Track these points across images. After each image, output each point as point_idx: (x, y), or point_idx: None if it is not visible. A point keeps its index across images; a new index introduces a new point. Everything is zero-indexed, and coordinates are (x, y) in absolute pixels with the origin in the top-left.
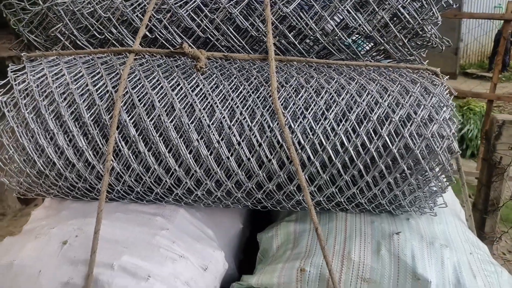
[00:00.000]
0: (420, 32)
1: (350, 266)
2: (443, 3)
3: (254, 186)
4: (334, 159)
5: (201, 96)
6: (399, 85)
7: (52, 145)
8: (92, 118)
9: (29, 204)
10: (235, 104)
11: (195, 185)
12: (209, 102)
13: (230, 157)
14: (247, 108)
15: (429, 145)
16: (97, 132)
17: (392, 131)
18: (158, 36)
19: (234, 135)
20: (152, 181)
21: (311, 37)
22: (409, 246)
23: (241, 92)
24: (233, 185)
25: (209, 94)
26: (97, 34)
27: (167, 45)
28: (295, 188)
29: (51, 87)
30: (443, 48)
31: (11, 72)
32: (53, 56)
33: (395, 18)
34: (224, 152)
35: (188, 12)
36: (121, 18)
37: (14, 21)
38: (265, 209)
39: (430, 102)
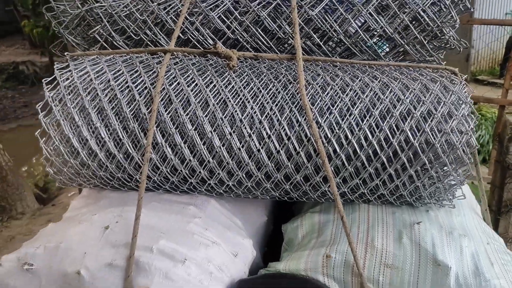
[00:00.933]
0: (439, 34)
1: (374, 253)
2: (461, 7)
3: (282, 178)
4: (358, 152)
5: (233, 92)
6: (420, 83)
7: (94, 137)
8: (131, 113)
9: (47, 204)
10: (265, 100)
11: (227, 176)
12: (240, 98)
13: (260, 149)
14: (277, 104)
15: (448, 140)
16: (136, 126)
17: (414, 126)
18: (190, 37)
19: (265, 129)
20: (187, 172)
21: (335, 38)
22: (429, 235)
23: (270, 89)
24: (263, 176)
25: (241, 91)
26: (133, 35)
27: (198, 45)
28: (321, 180)
29: (93, 84)
30: (461, 49)
31: (57, 70)
32: (94, 55)
33: (414, 22)
34: (254, 145)
35: (218, 15)
36: (155, 20)
37: (55, 24)
38: (291, 200)
39: (449, 99)
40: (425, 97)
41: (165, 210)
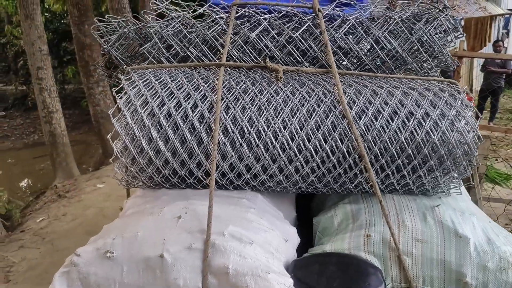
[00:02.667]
0: (439, 54)
1: (406, 231)
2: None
3: (325, 171)
4: (390, 147)
5: (283, 99)
6: (432, 92)
7: (162, 138)
8: (196, 117)
9: (15, 230)
10: (311, 106)
11: (278, 171)
12: (289, 105)
13: (309, 146)
14: (321, 108)
15: (457, 138)
16: (201, 128)
17: (432, 125)
18: (232, 54)
19: (312, 130)
20: (243, 168)
21: (355, 55)
22: (447, 214)
23: (313, 97)
24: (309, 170)
25: (289, 98)
26: (180, 52)
27: (239, 60)
28: (358, 171)
29: (159, 92)
30: (455, 66)
31: (125, 80)
32: (153, 68)
33: (421, 44)
34: (304, 143)
35: (258, 35)
36: (197, 39)
37: (102, 42)
38: (329, 191)
39: (457, 104)
40: (438, 103)
41: (224, 203)
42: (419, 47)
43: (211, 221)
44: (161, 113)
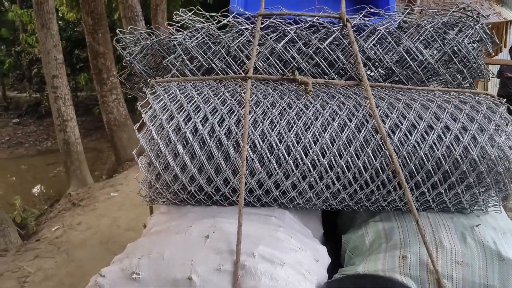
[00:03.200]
0: (474, 65)
1: (444, 252)
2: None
3: (357, 188)
4: (426, 162)
5: (313, 113)
6: (469, 105)
7: (188, 153)
8: (223, 132)
9: (30, 238)
10: (342, 120)
11: (308, 187)
12: (319, 119)
13: (341, 163)
14: (353, 123)
15: (497, 154)
16: (228, 143)
17: (470, 140)
18: (258, 66)
19: (344, 145)
20: (272, 184)
21: (384, 66)
22: (488, 234)
23: (346, 109)
24: (340, 187)
25: (319, 112)
26: (205, 64)
27: (264, 72)
28: (392, 189)
29: (185, 106)
30: (490, 78)
31: (150, 94)
32: (178, 81)
33: (455, 54)
34: (335, 158)
35: (284, 46)
36: (222, 50)
37: (125, 54)
38: (360, 208)
39: (496, 117)
40: (476, 116)
41: (252, 221)
42: (453, 57)
43: (240, 241)
44: (187, 128)
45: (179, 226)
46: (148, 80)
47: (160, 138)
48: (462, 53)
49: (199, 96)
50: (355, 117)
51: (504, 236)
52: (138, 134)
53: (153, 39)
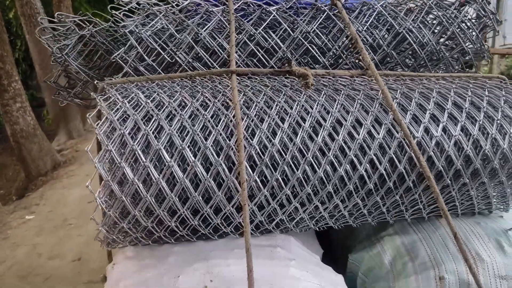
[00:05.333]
0: (476, 46)
1: (485, 267)
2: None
3: (384, 193)
4: (454, 158)
5: (320, 111)
6: (487, 91)
7: (164, 179)
8: (212, 147)
9: None
10: (355, 118)
11: (319, 203)
12: (330, 118)
13: (361, 170)
14: (369, 120)
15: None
16: (219, 160)
17: (497, 131)
18: (237, 58)
19: (361, 148)
20: (276, 206)
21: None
22: None
23: (357, 105)
24: (365, 196)
25: (326, 110)
26: (167, 58)
27: (242, 65)
28: (421, 193)
29: (155, 114)
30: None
31: (103, 100)
32: (139, 81)
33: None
34: (354, 165)
35: (266, 30)
36: (188, 37)
37: (54, 50)
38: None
39: None
40: (498, 102)
41: (256, 257)
42: (459, 37)
43: None
44: (161, 144)
45: (161, 278)
46: (96, 82)
47: (124, 161)
48: (463, 32)
49: (172, 99)
50: (370, 114)
51: None
52: (92, 158)
53: (92, 29)
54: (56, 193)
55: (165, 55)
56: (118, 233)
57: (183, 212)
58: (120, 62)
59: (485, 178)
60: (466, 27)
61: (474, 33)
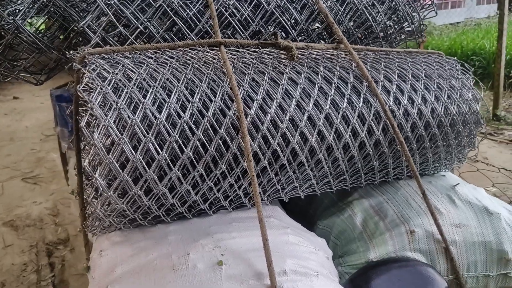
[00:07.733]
0: (416, 24)
1: (443, 218)
2: None
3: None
4: (417, 123)
5: (307, 81)
6: (436, 65)
7: (168, 153)
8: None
9: None
10: (335, 87)
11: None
12: (316, 87)
13: (346, 135)
14: (349, 89)
15: (467, 108)
16: (221, 132)
17: (446, 99)
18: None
19: (345, 114)
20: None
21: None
22: (469, 193)
23: (336, 76)
24: (347, 163)
25: (311, 80)
26: (140, 27)
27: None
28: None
29: (150, 83)
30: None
31: (88, 71)
32: (124, 51)
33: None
34: (344, 127)
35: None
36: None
37: (5, 15)
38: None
39: (459, 75)
40: (444, 74)
41: (253, 228)
42: (405, 14)
43: (271, 260)
44: (163, 116)
45: (169, 257)
46: (78, 50)
47: (124, 136)
48: (405, 11)
49: (164, 69)
50: (348, 84)
51: (475, 190)
52: (88, 134)
53: None
54: None
55: (137, 24)
56: (115, 216)
57: (184, 185)
58: (88, 31)
59: (440, 141)
60: (409, 8)
61: (415, 13)
